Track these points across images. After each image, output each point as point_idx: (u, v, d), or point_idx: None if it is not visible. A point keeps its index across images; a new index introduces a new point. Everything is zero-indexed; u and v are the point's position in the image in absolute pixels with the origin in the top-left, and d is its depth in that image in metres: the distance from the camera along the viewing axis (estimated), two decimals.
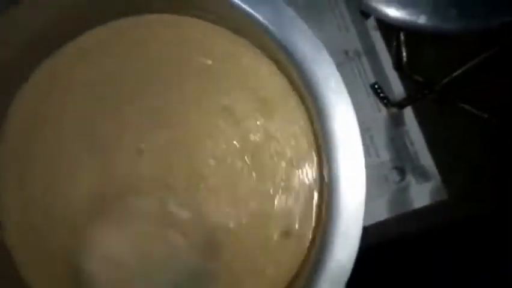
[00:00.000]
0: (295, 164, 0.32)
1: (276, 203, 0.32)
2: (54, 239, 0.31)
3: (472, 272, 0.39)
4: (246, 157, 0.32)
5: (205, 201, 0.32)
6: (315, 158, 0.32)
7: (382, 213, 0.38)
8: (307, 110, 0.32)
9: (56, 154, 0.32)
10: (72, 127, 0.32)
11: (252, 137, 0.32)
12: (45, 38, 0.31)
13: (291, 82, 0.32)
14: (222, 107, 0.32)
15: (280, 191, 0.32)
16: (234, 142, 0.32)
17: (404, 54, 0.37)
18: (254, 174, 0.32)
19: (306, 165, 0.32)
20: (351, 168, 0.28)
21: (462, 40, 0.38)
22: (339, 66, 0.40)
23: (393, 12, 0.38)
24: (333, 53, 0.40)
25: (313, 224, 0.31)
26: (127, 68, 0.32)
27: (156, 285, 0.31)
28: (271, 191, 0.32)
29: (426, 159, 0.39)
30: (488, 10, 0.37)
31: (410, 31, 0.38)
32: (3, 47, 0.30)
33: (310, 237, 0.31)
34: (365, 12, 0.40)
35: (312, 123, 0.32)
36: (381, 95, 0.38)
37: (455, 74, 0.36)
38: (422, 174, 0.38)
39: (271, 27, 0.29)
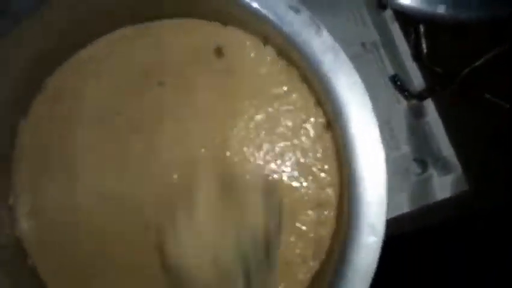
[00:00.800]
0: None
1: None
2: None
3: (484, 265, 0.39)
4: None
5: None
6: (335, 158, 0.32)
7: (403, 206, 0.38)
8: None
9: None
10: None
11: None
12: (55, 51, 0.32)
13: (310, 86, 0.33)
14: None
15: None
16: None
17: (424, 46, 0.37)
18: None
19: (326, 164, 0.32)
20: (371, 165, 0.28)
21: (481, 30, 0.37)
22: (357, 58, 0.40)
23: (411, 3, 0.38)
24: (350, 46, 0.40)
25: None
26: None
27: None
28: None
29: (447, 150, 0.38)
30: None
31: (429, 22, 0.37)
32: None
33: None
34: (382, 4, 0.39)
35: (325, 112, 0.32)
36: (402, 87, 0.37)
37: (476, 64, 0.36)
38: (444, 166, 0.38)
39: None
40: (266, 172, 0.32)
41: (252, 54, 0.32)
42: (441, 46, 0.38)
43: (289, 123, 0.32)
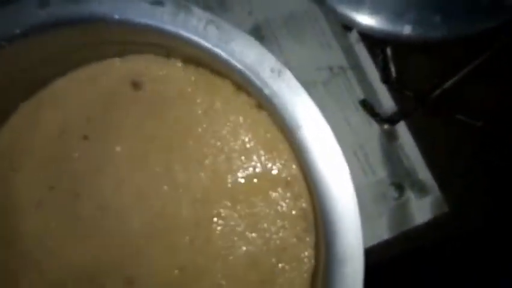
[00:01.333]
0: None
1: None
2: None
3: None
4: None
5: None
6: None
7: (383, 233, 0.37)
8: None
9: None
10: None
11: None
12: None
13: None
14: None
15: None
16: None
17: (393, 69, 0.36)
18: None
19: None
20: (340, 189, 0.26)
21: (451, 48, 0.37)
22: (325, 83, 0.39)
23: (378, 25, 0.37)
24: (317, 71, 0.39)
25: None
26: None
27: None
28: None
29: (423, 172, 0.37)
30: (472, 14, 0.36)
31: (396, 43, 0.37)
32: None
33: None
34: (347, 26, 0.38)
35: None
36: (372, 111, 0.36)
37: (445, 85, 0.35)
38: (421, 189, 0.37)
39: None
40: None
41: (165, 72, 0.31)
42: (410, 66, 0.38)
43: (228, 125, 0.30)
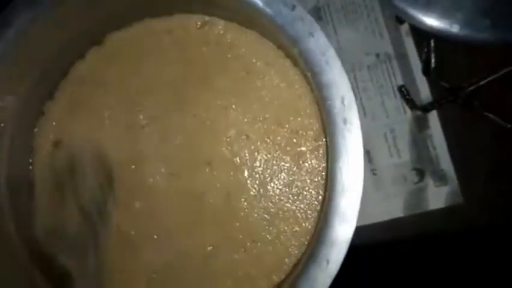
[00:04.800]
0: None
1: None
2: None
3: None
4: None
5: None
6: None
7: (398, 211, 0.40)
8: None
9: None
10: None
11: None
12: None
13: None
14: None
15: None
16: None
17: (433, 60, 0.38)
18: None
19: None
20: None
21: (493, 49, 0.39)
22: (370, 68, 0.42)
23: (428, 20, 0.40)
24: (365, 55, 0.42)
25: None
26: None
27: None
28: None
29: (446, 163, 0.40)
30: None
31: (443, 39, 0.39)
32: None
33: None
34: (400, 18, 0.41)
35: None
36: (407, 97, 0.39)
37: (481, 82, 0.37)
38: (441, 178, 0.40)
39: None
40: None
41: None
42: (452, 61, 0.40)
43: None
